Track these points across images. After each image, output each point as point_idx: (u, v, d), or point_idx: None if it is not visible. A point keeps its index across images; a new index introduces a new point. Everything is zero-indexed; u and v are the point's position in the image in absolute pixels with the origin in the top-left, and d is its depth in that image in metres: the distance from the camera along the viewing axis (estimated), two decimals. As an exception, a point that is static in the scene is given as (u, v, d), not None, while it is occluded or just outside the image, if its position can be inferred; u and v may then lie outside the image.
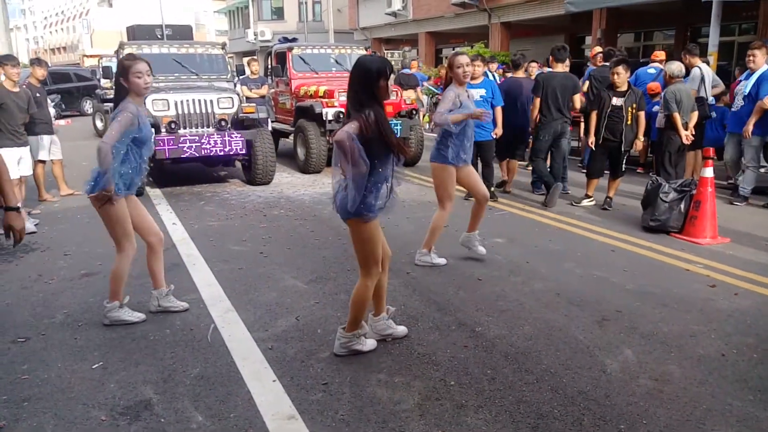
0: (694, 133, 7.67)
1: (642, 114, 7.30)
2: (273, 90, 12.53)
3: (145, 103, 4.32)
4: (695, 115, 7.67)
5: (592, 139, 7.40)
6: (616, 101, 7.22)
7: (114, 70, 10.37)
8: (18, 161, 7.09)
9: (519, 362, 3.70)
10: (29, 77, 8.21)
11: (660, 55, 10.13)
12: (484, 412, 3.17)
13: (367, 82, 3.38)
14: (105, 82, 13.71)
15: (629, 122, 7.24)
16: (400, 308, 4.47)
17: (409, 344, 3.93)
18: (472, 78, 7.01)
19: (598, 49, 11.28)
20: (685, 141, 7.45)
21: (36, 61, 8.43)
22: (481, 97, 7.40)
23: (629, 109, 7.19)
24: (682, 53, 9.26)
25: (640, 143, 7.45)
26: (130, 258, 4.23)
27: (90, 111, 20.73)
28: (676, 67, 7.71)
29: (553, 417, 3.12)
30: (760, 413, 3.15)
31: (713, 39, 12.11)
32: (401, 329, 4.07)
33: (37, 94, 7.95)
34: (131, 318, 4.31)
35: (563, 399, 3.29)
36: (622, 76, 7.23)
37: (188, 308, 4.52)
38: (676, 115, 7.36)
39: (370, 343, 3.85)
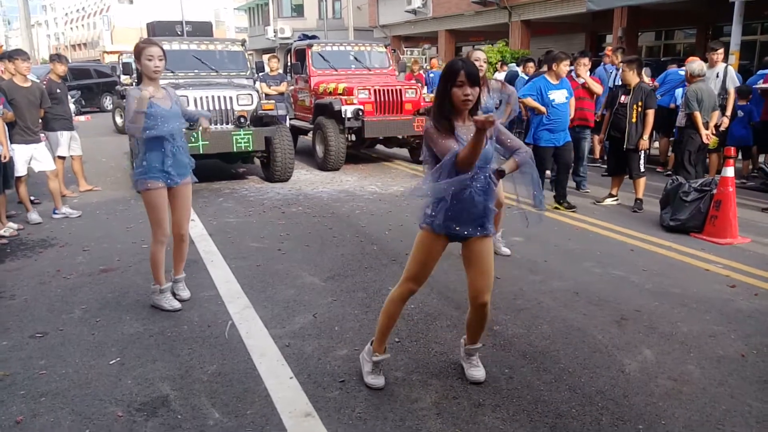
0: (715, 132, 7.58)
1: (650, 112, 7.20)
2: (292, 87, 12.56)
3: (167, 90, 4.36)
4: (716, 115, 7.58)
5: (601, 135, 7.51)
6: (623, 99, 7.32)
7: (134, 66, 10.51)
8: (29, 159, 7.07)
9: (537, 361, 3.69)
10: (49, 73, 8.27)
11: (694, 59, 10.02)
12: (501, 411, 3.16)
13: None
14: (125, 79, 13.78)
15: (633, 120, 7.20)
16: (417, 306, 4.47)
17: (426, 342, 3.93)
18: (556, 79, 7.11)
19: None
20: (705, 140, 7.36)
21: (56, 57, 8.47)
22: (566, 98, 7.18)
23: (634, 106, 7.15)
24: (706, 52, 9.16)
25: (644, 143, 7.26)
26: (159, 245, 4.41)
27: (110, 107, 20.93)
28: (697, 66, 7.62)
29: (571, 416, 3.10)
30: (781, 416, 3.11)
31: (735, 38, 11.96)
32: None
33: (57, 90, 8.01)
34: (166, 305, 4.47)
35: (581, 398, 3.27)
36: (627, 75, 7.30)
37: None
38: (697, 114, 7.28)
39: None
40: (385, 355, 3.46)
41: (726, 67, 8.56)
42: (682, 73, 9.53)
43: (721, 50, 8.78)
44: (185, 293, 4.71)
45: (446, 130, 3.05)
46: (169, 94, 4.34)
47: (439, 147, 3.06)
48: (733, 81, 8.59)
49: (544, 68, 9.73)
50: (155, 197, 4.31)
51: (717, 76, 8.30)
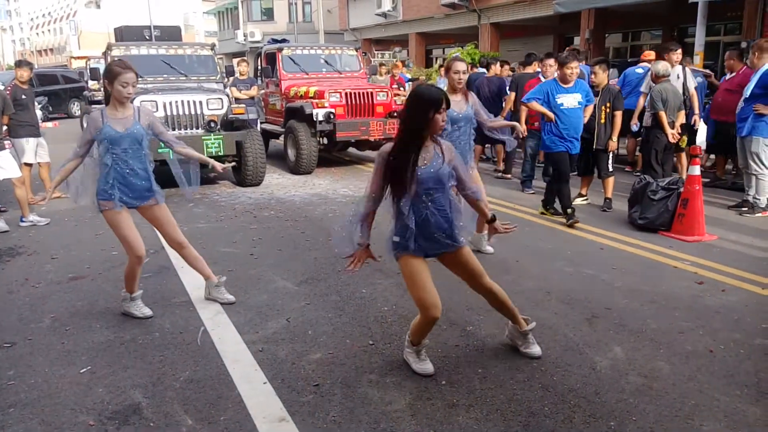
0: (680, 131, 7.71)
1: (617, 114, 7.33)
2: (263, 91, 12.52)
3: (133, 105, 4.32)
4: (682, 114, 7.72)
5: None
6: None
7: (102, 71, 10.38)
8: None
9: (510, 360, 3.71)
10: (14, 79, 8.13)
11: (650, 54, 10.13)
12: (475, 411, 3.17)
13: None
14: (93, 84, 13.61)
15: (602, 121, 7.30)
16: (391, 308, 4.48)
17: (400, 344, 3.93)
18: (566, 82, 6.69)
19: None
20: (671, 139, 7.49)
21: (20, 63, 8.35)
22: (579, 103, 6.74)
23: (603, 108, 7.25)
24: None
25: (612, 144, 7.39)
26: (134, 264, 4.33)
27: (78, 113, 20.63)
28: (662, 66, 7.75)
29: (544, 415, 3.13)
30: (746, 408, 3.17)
31: (699, 39, 12.21)
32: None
33: (23, 96, 7.88)
34: (137, 312, 4.42)
35: (554, 397, 3.30)
36: (599, 76, 7.36)
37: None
38: (662, 114, 7.40)
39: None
40: (425, 341, 3.59)
41: (683, 68, 8.60)
42: (640, 71, 9.69)
43: (680, 50, 8.70)
44: (228, 297, 4.69)
45: (403, 167, 3.21)
46: (137, 115, 4.26)
47: (375, 180, 3.29)
48: (692, 81, 8.68)
49: (519, 69, 10.10)
50: (111, 217, 4.25)
51: (678, 77, 8.33)
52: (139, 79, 8.63)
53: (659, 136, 7.52)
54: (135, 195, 4.28)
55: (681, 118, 7.68)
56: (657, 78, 7.68)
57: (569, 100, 6.67)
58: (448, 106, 3.27)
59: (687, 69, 8.65)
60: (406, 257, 3.38)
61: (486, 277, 3.56)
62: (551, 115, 6.67)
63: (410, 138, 3.24)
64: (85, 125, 4.14)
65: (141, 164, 4.27)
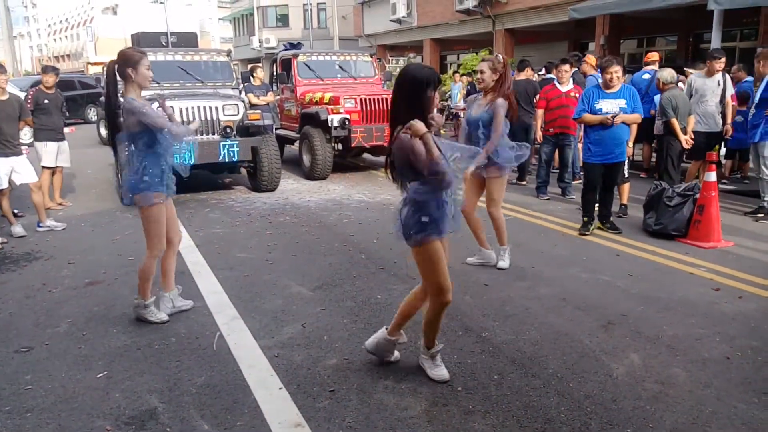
0: (693, 137, 7.67)
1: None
2: (278, 97, 12.57)
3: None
4: (692, 120, 7.71)
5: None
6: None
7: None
8: (9, 172, 6.96)
9: (526, 367, 3.71)
10: (40, 84, 8.24)
11: (653, 56, 10.01)
12: (491, 418, 3.17)
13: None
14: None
15: None
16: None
17: (415, 350, 3.93)
18: (608, 87, 6.41)
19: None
20: (685, 145, 7.46)
21: (45, 69, 8.45)
22: (621, 109, 6.33)
23: None
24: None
25: (628, 149, 7.20)
26: (154, 259, 4.41)
27: (94, 119, 20.82)
28: (668, 73, 7.74)
29: (560, 421, 3.12)
30: (764, 416, 3.15)
31: (715, 45, 12.11)
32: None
33: (45, 101, 7.97)
34: (153, 318, 4.44)
35: (570, 403, 3.29)
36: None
37: (194, 304, 4.68)
38: (674, 121, 7.37)
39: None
40: (439, 345, 3.61)
41: (724, 75, 8.35)
42: (647, 76, 9.64)
43: (723, 59, 8.27)
44: (189, 301, 4.77)
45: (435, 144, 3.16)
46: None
47: (425, 156, 3.11)
48: (730, 90, 8.58)
49: (531, 74, 10.17)
50: (158, 211, 4.29)
51: (718, 85, 8.17)
52: (156, 84, 8.84)
53: (673, 143, 7.49)
54: (172, 183, 4.42)
55: (692, 124, 7.67)
56: (664, 85, 7.67)
57: (609, 106, 6.35)
58: (440, 82, 3.33)
59: (727, 77, 8.55)
60: (434, 241, 3.31)
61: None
62: (606, 119, 6.28)
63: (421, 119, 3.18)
64: (149, 113, 4.06)
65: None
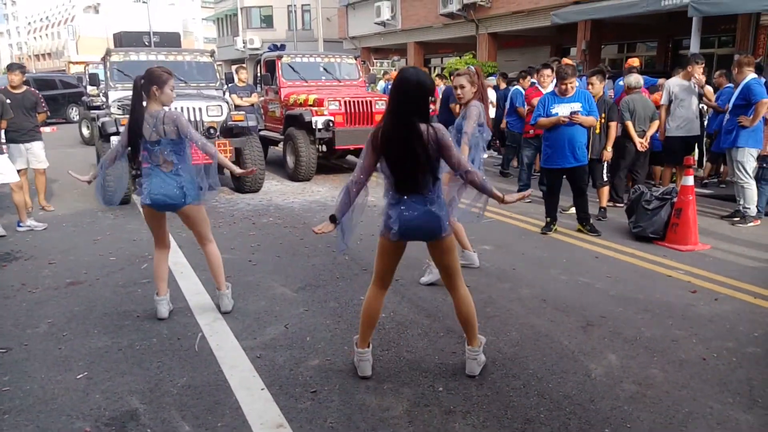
0: (650, 141, 7.93)
1: (612, 125, 7.50)
2: (262, 98, 12.56)
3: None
4: (655, 125, 7.93)
5: None
6: None
7: (101, 77, 10.38)
8: None
9: (506, 368, 3.75)
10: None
11: (634, 62, 10.14)
12: (472, 418, 3.20)
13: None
14: (92, 90, 13.58)
15: (597, 131, 7.43)
16: (389, 315, 4.50)
17: (397, 351, 3.96)
18: (563, 93, 6.56)
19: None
20: (639, 148, 7.83)
21: (11, 66, 7.99)
22: (578, 112, 6.51)
23: (598, 118, 7.32)
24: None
25: (607, 153, 7.50)
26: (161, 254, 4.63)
27: (76, 118, 20.63)
28: (634, 79, 8.14)
29: (540, 422, 3.16)
30: (739, 416, 3.21)
31: (694, 51, 12.30)
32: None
33: (8, 101, 7.49)
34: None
35: (549, 404, 3.33)
36: (595, 87, 7.62)
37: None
38: (629, 124, 7.78)
39: None
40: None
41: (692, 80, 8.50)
42: (622, 83, 9.79)
43: (702, 63, 8.40)
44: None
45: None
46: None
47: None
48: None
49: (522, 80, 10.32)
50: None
51: (693, 87, 8.27)
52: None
53: (627, 145, 7.76)
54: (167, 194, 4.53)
55: (653, 128, 7.97)
56: (629, 89, 8.01)
57: (565, 110, 6.51)
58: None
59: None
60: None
61: None
62: (560, 119, 6.45)
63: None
64: (181, 120, 4.25)
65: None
